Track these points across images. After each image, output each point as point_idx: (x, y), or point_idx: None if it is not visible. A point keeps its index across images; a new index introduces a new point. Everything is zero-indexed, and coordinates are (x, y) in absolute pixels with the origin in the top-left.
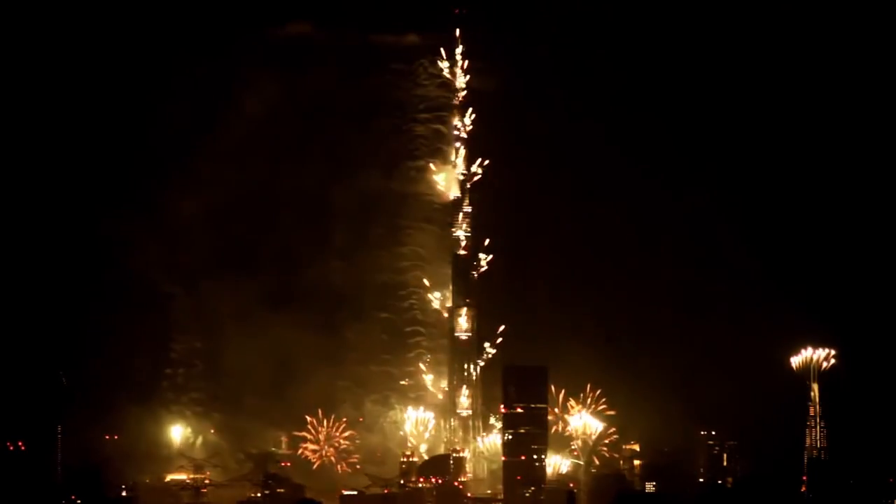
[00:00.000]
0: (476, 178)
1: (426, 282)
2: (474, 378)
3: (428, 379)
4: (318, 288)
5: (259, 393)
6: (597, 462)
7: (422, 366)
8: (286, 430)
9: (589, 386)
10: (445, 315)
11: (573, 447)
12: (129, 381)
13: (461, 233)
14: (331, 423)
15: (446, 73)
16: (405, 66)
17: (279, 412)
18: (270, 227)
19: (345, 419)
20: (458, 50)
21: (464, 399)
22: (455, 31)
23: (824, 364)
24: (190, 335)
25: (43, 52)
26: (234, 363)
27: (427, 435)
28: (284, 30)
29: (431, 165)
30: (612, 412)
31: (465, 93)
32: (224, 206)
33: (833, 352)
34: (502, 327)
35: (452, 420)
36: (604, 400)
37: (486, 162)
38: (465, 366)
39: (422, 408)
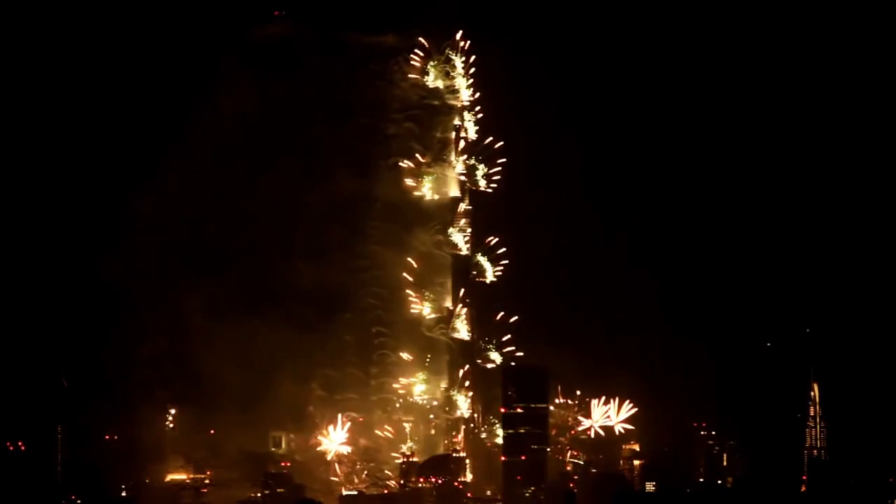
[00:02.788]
0: (475, 178)
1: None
2: (474, 378)
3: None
4: (290, 289)
5: (244, 394)
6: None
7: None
8: (285, 431)
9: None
10: (439, 314)
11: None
12: (125, 381)
13: (461, 233)
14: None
15: (433, 71)
16: (382, 66)
17: (269, 413)
18: (241, 229)
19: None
20: (457, 50)
21: (463, 399)
22: (454, 32)
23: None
24: (166, 336)
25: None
26: (213, 365)
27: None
28: (259, 30)
29: (429, 165)
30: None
31: (462, 93)
32: (193, 208)
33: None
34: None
35: (452, 420)
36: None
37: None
38: (465, 365)
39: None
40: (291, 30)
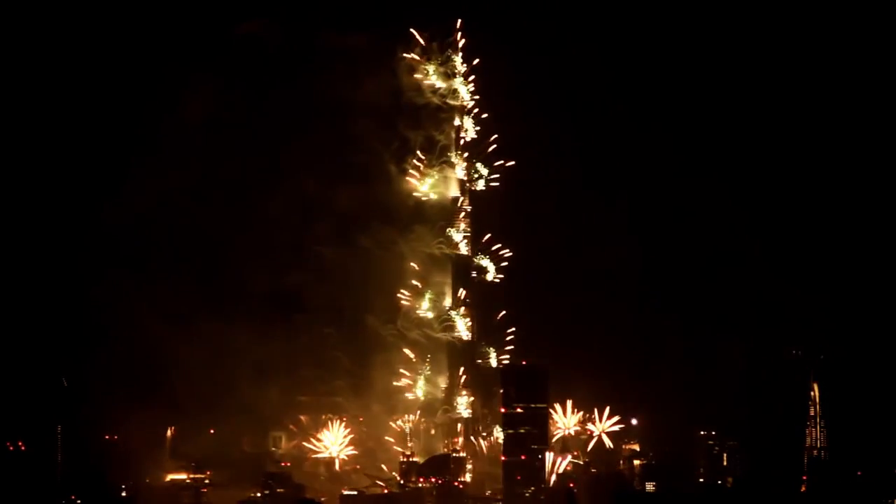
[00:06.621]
0: (475, 179)
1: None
2: (474, 378)
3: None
4: (265, 291)
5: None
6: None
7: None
8: (283, 430)
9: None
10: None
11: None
12: (125, 381)
13: (461, 232)
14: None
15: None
16: (355, 66)
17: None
18: (209, 229)
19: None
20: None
21: (463, 399)
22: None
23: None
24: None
25: None
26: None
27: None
28: (230, 30)
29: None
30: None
31: (462, 92)
32: (161, 208)
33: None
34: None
35: (451, 420)
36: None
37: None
38: (465, 365)
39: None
40: (270, 31)
